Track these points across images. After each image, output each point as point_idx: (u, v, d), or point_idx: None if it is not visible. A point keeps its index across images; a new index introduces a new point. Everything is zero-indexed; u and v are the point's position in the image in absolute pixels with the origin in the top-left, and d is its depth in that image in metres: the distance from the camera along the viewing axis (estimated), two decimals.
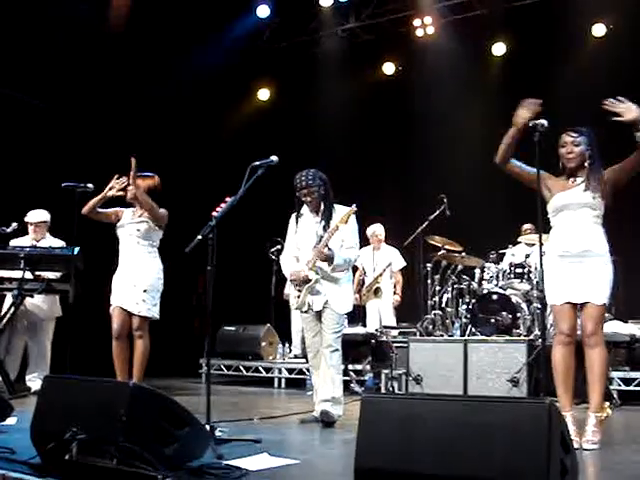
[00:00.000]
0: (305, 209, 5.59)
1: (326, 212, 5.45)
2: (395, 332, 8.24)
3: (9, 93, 8.72)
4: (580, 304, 4.46)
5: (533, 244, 7.78)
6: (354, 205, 5.43)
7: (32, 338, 7.21)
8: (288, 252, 5.73)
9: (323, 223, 5.43)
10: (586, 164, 4.55)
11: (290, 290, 5.65)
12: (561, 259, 4.52)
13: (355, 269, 8.54)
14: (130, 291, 6.09)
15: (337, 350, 5.42)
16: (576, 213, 4.51)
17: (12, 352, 7.11)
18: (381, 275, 8.84)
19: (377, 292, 8.98)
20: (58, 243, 7.19)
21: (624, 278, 6.46)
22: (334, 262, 5.29)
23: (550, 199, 4.60)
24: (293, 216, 5.67)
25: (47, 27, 8.49)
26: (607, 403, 4.55)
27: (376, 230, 9.12)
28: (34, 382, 7.06)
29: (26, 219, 7.17)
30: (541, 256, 4.45)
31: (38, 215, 7.22)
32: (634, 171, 4.50)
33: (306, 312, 5.49)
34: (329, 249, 5.29)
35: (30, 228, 7.18)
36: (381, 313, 8.92)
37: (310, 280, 5.41)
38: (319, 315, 5.47)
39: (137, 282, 6.09)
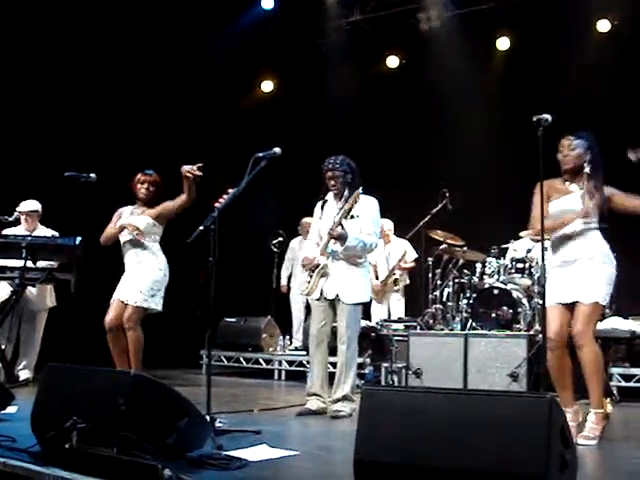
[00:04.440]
0: (330, 196, 5.56)
1: (348, 199, 5.38)
2: (396, 325, 8.24)
3: (11, 82, 8.72)
4: (571, 305, 4.46)
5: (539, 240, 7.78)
6: (360, 188, 5.38)
7: (25, 328, 7.19)
8: (311, 239, 5.70)
9: (342, 210, 5.39)
10: (586, 170, 4.51)
11: (301, 276, 5.64)
12: (556, 267, 4.55)
13: None
14: (131, 283, 6.09)
15: (351, 346, 5.40)
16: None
17: (12, 341, 7.12)
18: (400, 266, 8.86)
19: (396, 283, 8.97)
20: (49, 233, 7.20)
21: (624, 274, 6.46)
22: (346, 242, 5.24)
23: (550, 203, 4.58)
24: (319, 203, 5.64)
25: (48, 11, 8.49)
26: (607, 399, 4.56)
27: (384, 224, 9.11)
28: (23, 371, 7.08)
29: (18, 209, 7.16)
30: (543, 251, 4.44)
31: (30, 205, 7.21)
32: (628, 213, 4.52)
33: (318, 300, 5.47)
34: (342, 228, 5.26)
35: (22, 218, 7.17)
36: (390, 304, 8.94)
37: (319, 265, 5.39)
38: (332, 305, 5.45)
39: (140, 276, 6.09)
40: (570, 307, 4.48)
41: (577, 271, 4.45)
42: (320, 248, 5.43)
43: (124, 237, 6.20)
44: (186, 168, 5.55)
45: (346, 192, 5.43)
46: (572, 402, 4.50)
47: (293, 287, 9.54)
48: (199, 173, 5.54)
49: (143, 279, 6.08)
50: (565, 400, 4.45)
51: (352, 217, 5.33)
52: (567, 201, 4.53)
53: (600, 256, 4.50)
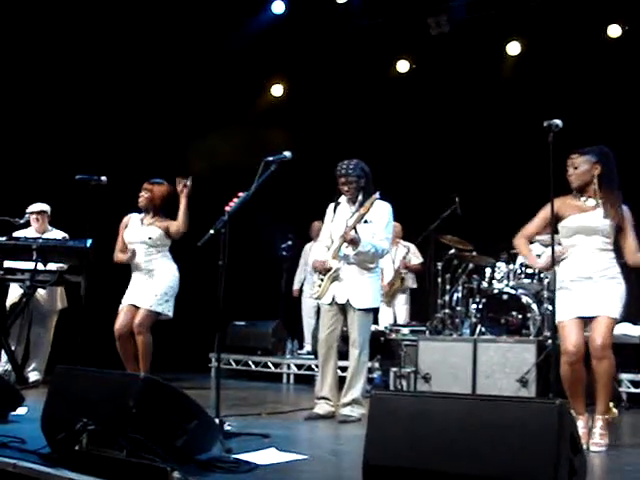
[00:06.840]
0: (343, 199, 5.53)
1: (362, 204, 5.35)
2: (405, 330, 8.24)
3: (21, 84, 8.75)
4: (589, 319, 4.46)
5: (549, 244, 7.77)
6: (377, 192, 5.34)
7: (35, 330, 7.20)
8: (321, 241, 5.67)
9: (357, 214, 5.35)
10: (594, 182, 4.49)
11: (313, 279, 5.62)
12: (571, 283, 4.53)
13: None
14: (145, 288, 6.12)
15: (364, 351, 5.37)
16: (589, 239, 4.50)
17: (22, 343, 7.15)
18: (405, 264, 8.88)
19: (402, 282, 8.95)
20: (60, 234, 7.23)
21: (635, 279, 6.44)
22: (359, 247, 5.20)
23: (563, 220, 4.56)
24: (331, 205, 5.62)
25: (60, 15, 8.53)
26: (611, 403, 4.55)
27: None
28: (33, 373, 7.09)
29: (27, 210, 7.19)
30: (553, 255, 4.43)
31: (38, 205, 7.25)
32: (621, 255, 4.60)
33: (329, 305, 5.44)
34: (356, 232, 5.22)
35: (32, 219, 7.20)
36: (395, 309, 8.93)
37: (331, 269, 5.36)
38: (342, 310, 5.43)
39: (155, 281, 6.12)
40: (585, 321, 4.48)
41: (597, 287, 4.45)
42: (332, 251, 5.39)
43: (134, 245, 6.24)
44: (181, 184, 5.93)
45: (360, 197, 5.39)
46: (584, 409, 4.49)
47: (305, 291, 9.53)
48: (189, 183, 5.92)
49: (158, 284, 6.11)
50: (577, 407, 4.46)
51: (365, 222, 5.29)
52: (586, 218, 4.50)
53: (617, 275, 4.52)
